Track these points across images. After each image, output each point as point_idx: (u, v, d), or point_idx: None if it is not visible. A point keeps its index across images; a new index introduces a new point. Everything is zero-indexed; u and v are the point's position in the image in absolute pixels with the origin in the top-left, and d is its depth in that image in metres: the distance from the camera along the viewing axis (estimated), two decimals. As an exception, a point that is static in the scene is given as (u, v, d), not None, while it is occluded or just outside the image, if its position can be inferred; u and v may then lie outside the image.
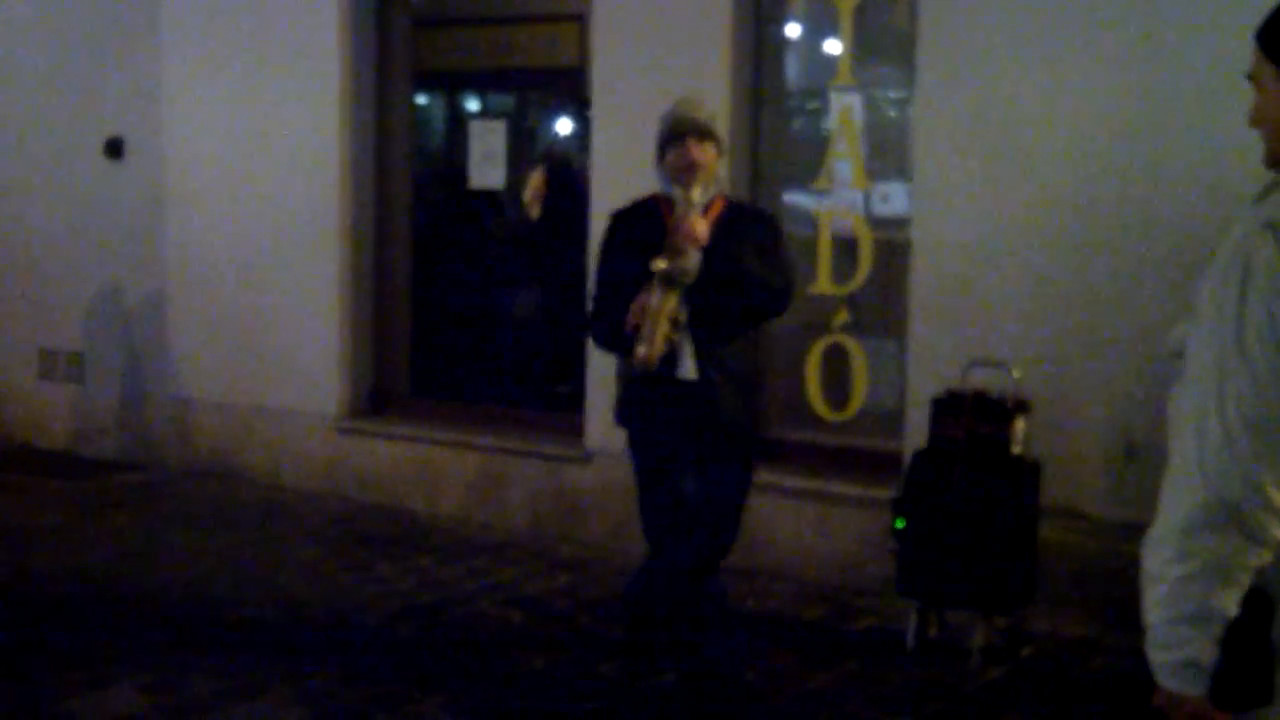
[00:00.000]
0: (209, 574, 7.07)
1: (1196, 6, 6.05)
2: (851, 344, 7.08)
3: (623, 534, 7.52)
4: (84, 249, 9.70)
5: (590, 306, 5.08)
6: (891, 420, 6.97)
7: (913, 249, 6.77)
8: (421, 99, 9.07)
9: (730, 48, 7.21)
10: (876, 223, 7.13)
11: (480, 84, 9.10)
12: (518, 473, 8.03)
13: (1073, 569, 6.31)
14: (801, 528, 7.05)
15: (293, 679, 5.60)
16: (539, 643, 6.12)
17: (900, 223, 7.01)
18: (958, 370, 6.15)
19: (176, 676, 5.60)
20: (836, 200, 7.16)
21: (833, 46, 7.22)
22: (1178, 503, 2.39)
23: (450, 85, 9.14)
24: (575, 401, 7.95)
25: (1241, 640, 2.38)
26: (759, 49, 7.38)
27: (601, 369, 7.63)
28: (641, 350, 4.56)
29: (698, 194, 4.69)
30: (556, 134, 8.94)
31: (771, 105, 7.45)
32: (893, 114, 7.32)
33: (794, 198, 7.36)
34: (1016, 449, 5.90)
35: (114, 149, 9.49)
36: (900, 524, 5.99)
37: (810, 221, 7.18)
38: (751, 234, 4.81)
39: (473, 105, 9.25)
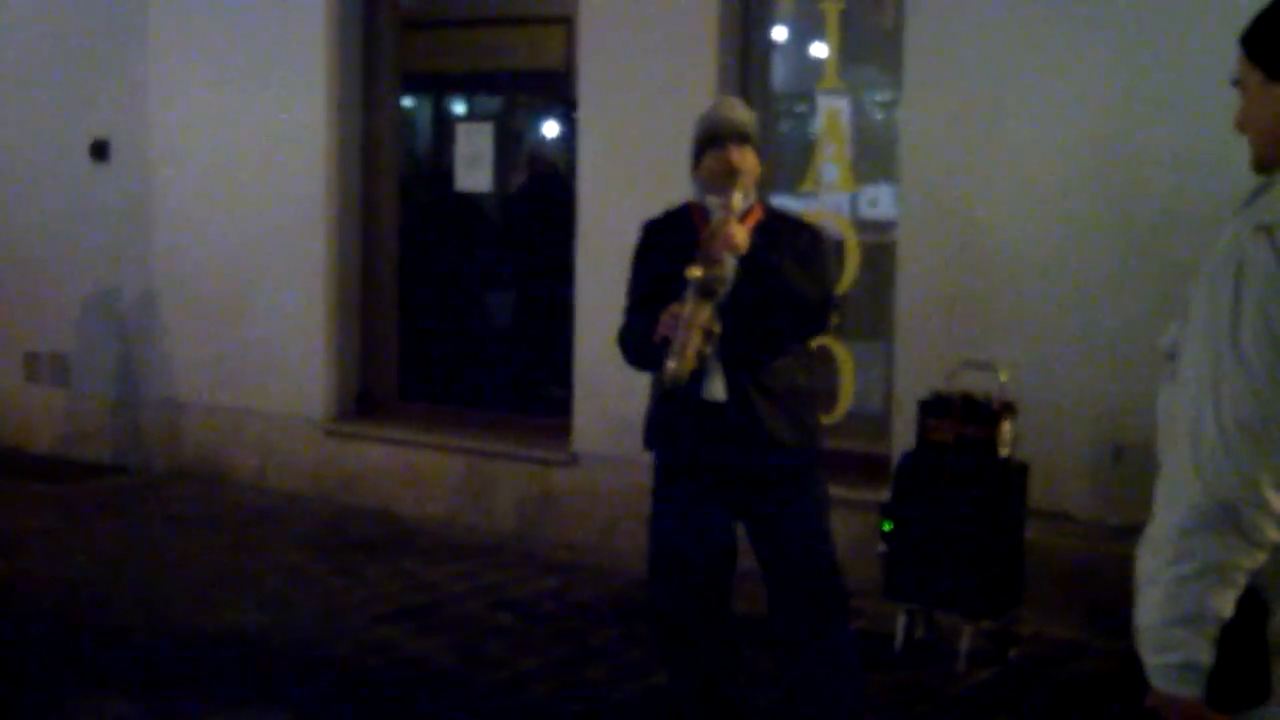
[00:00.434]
0: (196, 577, 7.06)
1: (1181, 9, 6.06)
2: (838, 347, 7.09)
3: (609, 537, 7.53)
4: (70, 252, 9.67)
5: (622, 321, 4.66)
6: (878, 423, 6.98)
7: (899, 252, 6.78)
8: (408, 101, 9.07)
9: (717, 51, 7.21)
10: (863, 225, 7.14)
11: (467, 86, 9.10)
12: (505, 476, 8.03)
13: (1060, 571, 6.32)
14: (789, 530, 7.04)
15: (279, 682, 5.60)
16: (527, 645, 6.12)
17: (887, 225, 7.02)
18: (944, 373, 6.16)
19: (162, 681, 5.60)
20: (823, 203, 7.17)
21: (819, 50, 7.22)
22: (1174, 505, 2.39)
23: (437, 87, 9.14)
24: (562, 405, 7.95)
25: (1236, 640, 2.38)
26: (745, 52, 7.39)
27: (588, 372, 7.65)
28: (671, 364, 4.10)
29: (738, 200, 4.35)
30: (543, 137, 8.94)
31: (758, 109, 7.41)
32: (879, 117, 7.33)
33: (781, 201, 7.36)
34: (1003, 451, 5.91)
35: (100, 151, 9.47)
36: (888, 526, 6.00)
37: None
38: (792, 243, 4.43)
39: (459, 108, 9.25)
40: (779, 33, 7.55)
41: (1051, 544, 6.30)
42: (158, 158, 9.23)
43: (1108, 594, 6.01)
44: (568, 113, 8.17)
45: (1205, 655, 2.37)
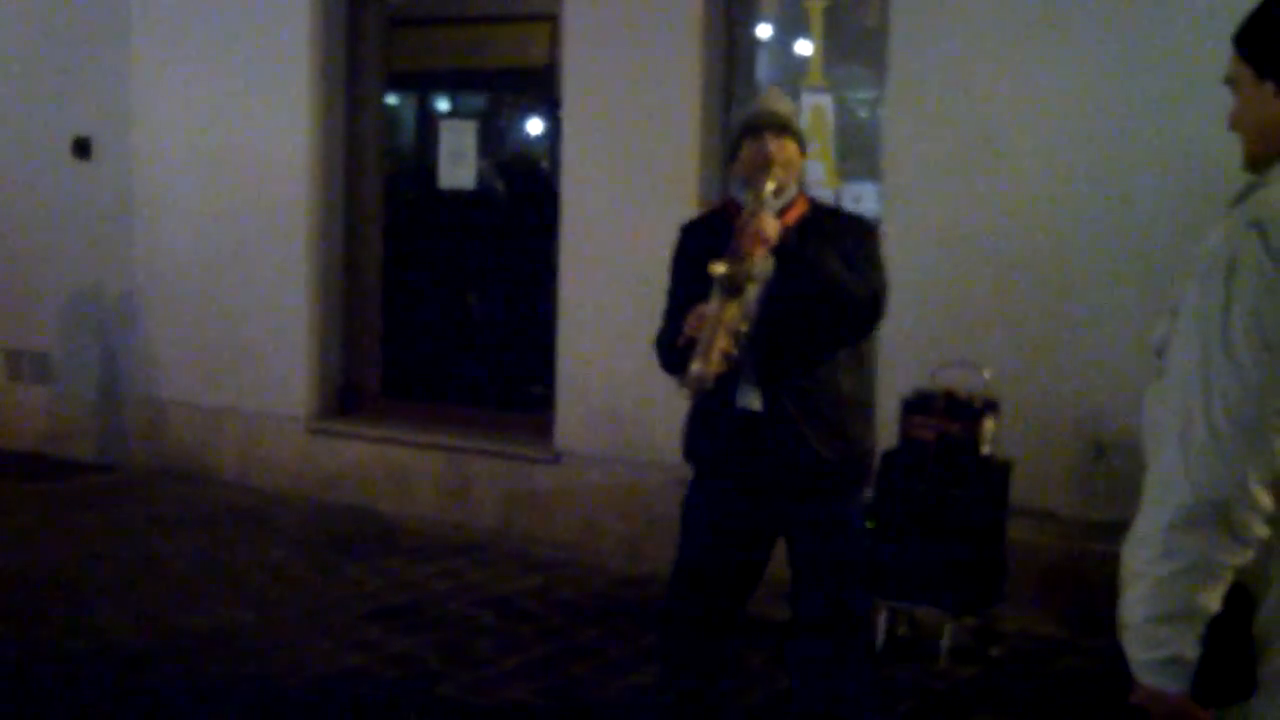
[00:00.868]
0: (178, 575, 7.04)
1: (1167, 8, 6.08)
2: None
3: (592, 534, 7.53)
4: (53, 249, 9.64)
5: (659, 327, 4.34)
6: (867, 416, 6.97)
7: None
8: (392, 98, 9.05)
9: (701, 48, 7.22)
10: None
11: (451, 84, 9.09)
12: (488, 473, 8.02)
13: (1042, 568, 6.34)
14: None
15: (262, 681, 5.59)
16: (510, 643, 6.11)
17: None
18: (927, 370, 6.16)
19: (144, 679, 5.58)
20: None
21: (803, 47, 7.23)
22: (1162, 501, 2.39)
23: (421, 85, 9.13)
24: (545, 402, 7.95)
25: (1222, 635, 2.38)
26: (730, 50, 7.39)
27: (571, 370, 7.65)
28: (695, 367, 3.75)
29: (770, 189, 4.05)
30: (527, 134, 8.93)
31: (742, 106, 7.44)
32: (864, 115, 7.34)
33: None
34: (986, 449, 5.92)
35: (82, 149, 9.44)
36: (870, 524, 6.00)
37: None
38: (839, 239, 4.10)
39: (443, 105, 9.23)
40: (763, 30, 7.55)
41: (1034, 541, 6.32)
42: (140, 155, 9.20)
43: (1090, 591, 6.02)
44: (552, 110, 8.16)
45: (1191, 650, 2.38)
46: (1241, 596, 2.40)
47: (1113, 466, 6.14)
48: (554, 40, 7.98)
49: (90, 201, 9.44)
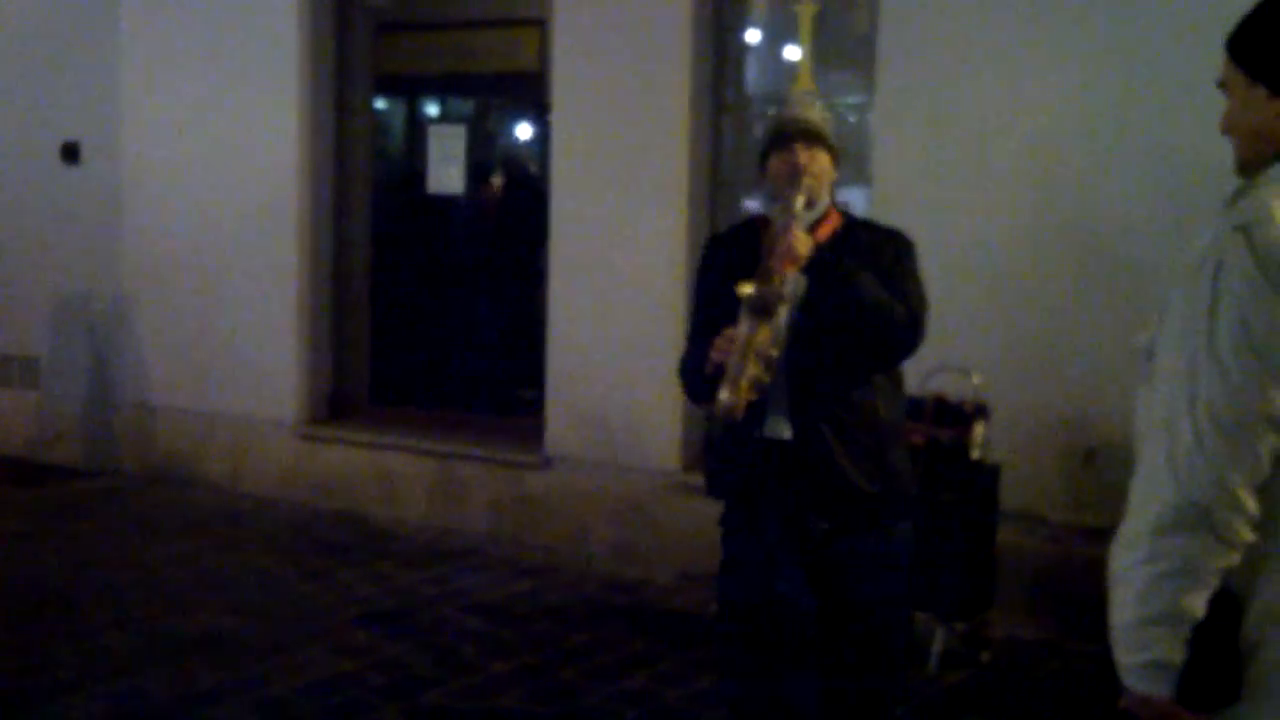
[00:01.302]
0: (168, 580, 7.03)
1: (1155, 16, 6.09)
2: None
3: (582, 539, 7.53)
4: (41, 254, 9.62)
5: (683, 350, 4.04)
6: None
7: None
8: (381, 103, 9.05)
9: (690, 54, 7.22)
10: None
11: (440, 89, 9.09)
12: (478, 478, 8.01)
13: (1032, 573, 6.34)
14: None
15: (251, 687, 5.58)
16: (499, 648, 6.10)
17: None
18: (917, 376, 6.16)
19: (134, 684, 5.57)
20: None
21: (793, 53, 7.23)
22: (1148, 504, 2.39)
23: (410, 90, 9.13)
24: (535, 407, 7.94)
25: (1209, 640, 2.38)
26: (719, 55, 7.39)
27: (561, 375, 7.64)
28: (723, 395, 3.50)
29: (800, 204, 3.75)
30: (516, 139, 8.93)
31: (732, 111, 7.46)
32: (853, 120, 7.34)
33: (755, 204, 7.37)
34: (976, 454, 5.92)
35: (71, 154, 9.43)
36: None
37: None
38: (876, 256, 3.83)
39: (432, 110, 9.23)
40: (752, 35, 7.55)
41: (1023, 546, 6.32)
42: (129, 160, 9.19)
43: (1079, 596, 6.02)
44: (541, 115, 8.16)
45: (1177, 654, 2.38)
46: (1228, 601, 2.40)
47: (1102, 471, 6.15)
48: (543, 45, 7.99)
49: (79, 206, 9.43)
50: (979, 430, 5.93)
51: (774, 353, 3.57)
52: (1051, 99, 6.32)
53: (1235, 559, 2.37)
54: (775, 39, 7.51)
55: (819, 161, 3.86)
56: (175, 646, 6.03)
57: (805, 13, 7.03)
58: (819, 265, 3.68)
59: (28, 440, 9.83)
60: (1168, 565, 2.36)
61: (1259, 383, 2.33)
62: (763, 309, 3.57)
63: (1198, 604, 2.37)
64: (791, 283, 3.65)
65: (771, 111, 4.20)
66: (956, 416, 5.93)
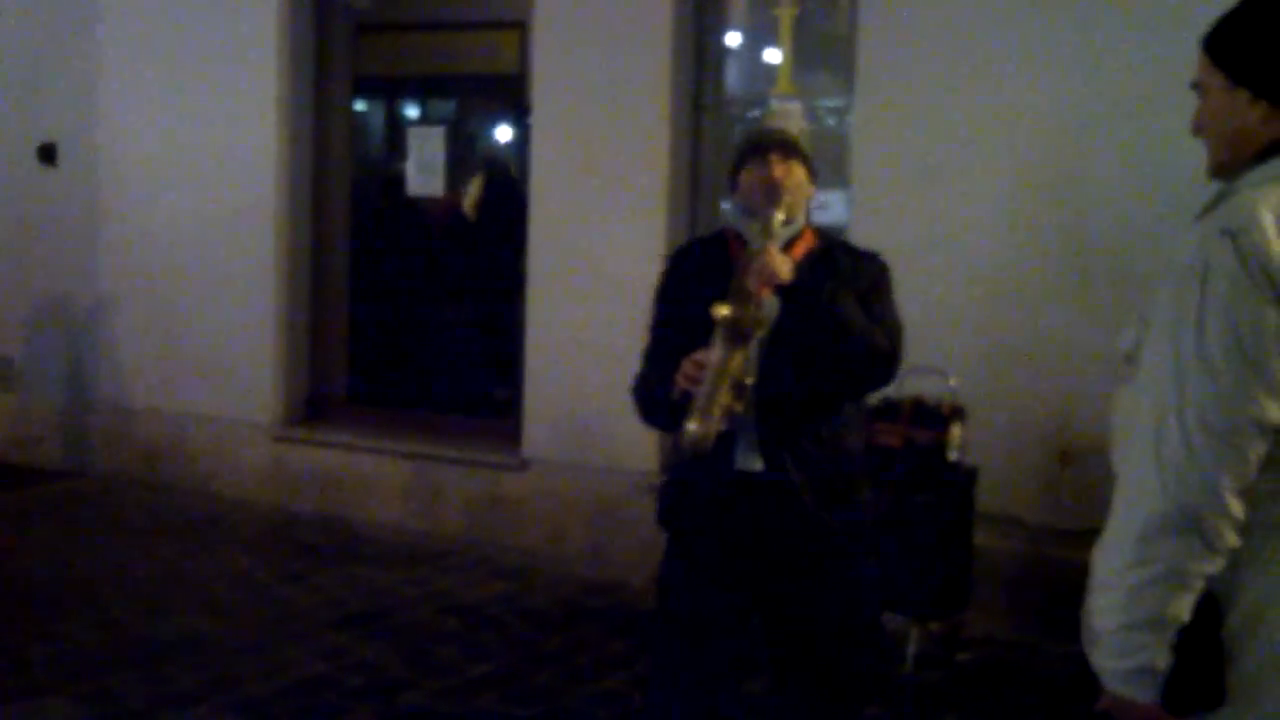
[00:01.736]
0: (143, 582, 7.00)
1: (1130, 20, 6.11)
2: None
3: (559, 541, 7.52)
4: (17, 255, 9.59)
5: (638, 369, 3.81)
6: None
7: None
8: (360, 105, 9.03)
9: (670, 56, 7.22)
10: (815, 230, 7.14)
11: (420, 90, 9.07)
12: (455, 480, 8.00)
13: (1008, 575, 6.35)
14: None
15: (227, 689, 5.56)
16: (476, 650, 6.09)
17: (839, 230, 7.02)
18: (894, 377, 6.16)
19: (109, 686, 5.55)
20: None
21: (773, 55, 7.23)
22: (1135, 508, 2.39)
23: (389, 91, 9.11)
24: (512, 409, 7.94)
25: (1192, 644, 2.38)
26: (699, 57, 7.40)
27: (539, 377, 7.64)
28: (692, 425, 3.26)
29: (779, 221, 3.55)
30: (496, 141, 8.92)
31: (712, 114, 7.46)
32: (833, 122, 7.35)
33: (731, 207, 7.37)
34: (952, 455, 5.92)
35: (47, 154, 9.40)
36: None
37: (749, 229, 7.19)
38: (850, 278, 3.62)
39: (412, 111, 9.21)
40: (732, 38, 7.56)
41: (1000, 548, 6.33)
42: (106, 161, 9.16)
43: (1055, 597, 6.03)
44: (521, 117, 8.15)
45: (1163, 659, 2.37)
46: (1209, 605, 2.39)
47: (1078, 474, 6.16)
48: (523, 47, 7.98)
49: (56, 207, 9.39)
50: (956, 432, 5.94)
51: (748, 381, 3.36)
52: (1029, 101, 6.34)
53: (1221, 564, 2.36)
54: (755, 41, 7.51)
55: (795, 175, 3.66)
56: (151, 648, 6.01)
57: (785, 15, 7.03)
58: (798, 289, 3.46)
59: (3, 441, 9.78)
60: (1155, 570, 2.35)
61: (1247, 387, 2.33)
62: (740, 334, 3.35)
63: (1183, 609, 2.36)
64: (768, 306, 3.44)
65: (753, 114, 3.93)
66: (933, 418, 5.93)
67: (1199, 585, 2.37)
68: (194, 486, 8.89)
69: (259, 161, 8.55)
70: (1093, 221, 6.22)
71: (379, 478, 8.26)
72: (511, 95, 8.30)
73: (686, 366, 3.38)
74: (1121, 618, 2.39)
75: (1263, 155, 2.50)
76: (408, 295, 8.83)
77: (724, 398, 3.30)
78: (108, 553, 7.54)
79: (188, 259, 8.85)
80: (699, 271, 3.70)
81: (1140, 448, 2.40)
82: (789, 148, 3.68)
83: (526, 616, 6.60)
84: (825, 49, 7.25)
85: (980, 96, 6.44)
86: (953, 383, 6.02)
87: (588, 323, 7.40)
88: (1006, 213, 6.41)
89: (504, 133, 8.81)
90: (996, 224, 6.43)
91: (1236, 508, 2.34)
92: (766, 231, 3.52)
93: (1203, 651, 2.39)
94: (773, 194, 3.59)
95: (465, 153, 8.79)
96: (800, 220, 3.70)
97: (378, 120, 9.36)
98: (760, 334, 3.40)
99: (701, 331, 3.37)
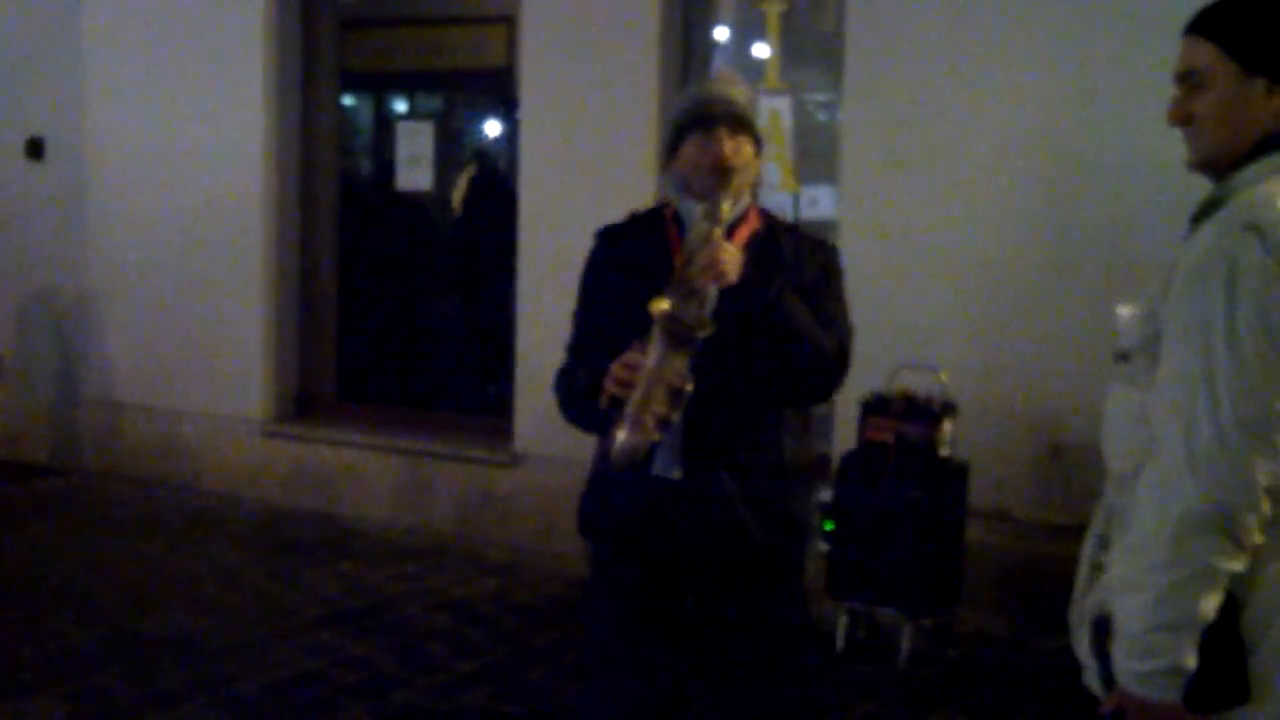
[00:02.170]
0: (132, 579, 6.98)
1: (1121, 16, 6.10)
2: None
3: (551, 537, 7.50)
4: (6, 250, 9.56)
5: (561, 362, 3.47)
6: (820, 423, 6.98)
7: (840, 252, 6.77)
8: (348, 100, 9.01)
9: (658, 51, 7.20)
10: (805, 226, 7.14)
11: (407, 85, 9.06)
12: (445, 476, 7.99)
13: (999, 570, 6.36)
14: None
15: (216, 686, 5.54)
16: (466, 647, 6.08)
17: (828, 226, 7.03)
18: (885, 373, 6.17)
19: (97, 684, 5.53)
20: (765, 203, 7.14)
21: (761, 50, 7.23)
22: (1164, 507, 2.35)
23: (377, 86, 9.09)
24: (503, 405, 7.93)
25: (1216, 641, 2.35)
26: (687, 52, 7.39)
27: (530, 372, 7.62)
28: (623, 435, 2.91)
29: (728, 209, 3.12)
30: (484, 136, 8.91)
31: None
32: (821, 118, 7.34)
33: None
34: (944, 451, 5.93)
35: (35, 149, 9.37)
36: (829, 526, 6.01)
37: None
38: (800, 270, 3.25)
39: (400, 106, 9.20)
40: (720, 33, 7.55)
41: (991, 543, 6.33)
42: (94, 156, 9.12)
43: (1046, 592, 6.03)
44: (509, 112, 8.14)
45: (1192, 659, 2.34)
46: (1229, 602, 2.36)
47: (1069, 469, 6.17)
48: (511, 42, 7.97)
49: (44, 202, 9.37)
50: (947, 428, 5.94)
51: (688, 388, 2.91)
52: (1021, 96, 6.33)
53: (1245, 562, 2.34)
54: (743, 37, 7.50)
55: (744, 153, 3.20)
56: (140, 645, 6.00)
57: (773, 10, 7.03)
58: (743, 286, 3.06)
59: (-9, 438, 9.77)
60: (1187, 570, 2.32)
61: (1277, 378, 2.32)
62: (681, 335, 2.91)
63: (1211, 607, 2.34)
64: (712, 302, 3.02)
65: (692, 88, 3.39)
66: (924, 414, 5.94)
67: (1225, 583, 2.34)
68: (183, 482, 8.86)
69: (247, 156, 8.53)
70: (1083, 217, 6.22)
71: (369, 474, 8.24)
72: (499, 90, 8.29)
73: (617, 370, 2.98)
74: (1151, 619, 2.34)
75: (1262, 147, 2.46)
76: (397, 290, 8.81)
77: (659, 406, 2.90)
78: (96, 549, 7.52)
79: (176, 254, 8.82)
80: (630, 253, 3.30)
81: (1168, 449, 2.36)
82: (740, 121, 3.21)
83: (517, 613, 6.59)
84: (813, 45, 7.25)
85: (968, 93, 6.44)
86: (943, 378, 6.03)
87: (577, 318, 7.38)
88: (996, 207, 6.40)
89: (492, 127, 8.80)
90: (986, 218, 6.43)
91: (1265, 503, 2.32)
92: (714, 219, 3.07)
93: (1226, 648, 2.36)
94: (723, 175, 3.14)
95: (454, 148, 8.78)
96: (746, 199, 3.27)
97: (365, 115, 9.34)
98: (704, 335, 2.94)
99: (632, 325, 2.99)
